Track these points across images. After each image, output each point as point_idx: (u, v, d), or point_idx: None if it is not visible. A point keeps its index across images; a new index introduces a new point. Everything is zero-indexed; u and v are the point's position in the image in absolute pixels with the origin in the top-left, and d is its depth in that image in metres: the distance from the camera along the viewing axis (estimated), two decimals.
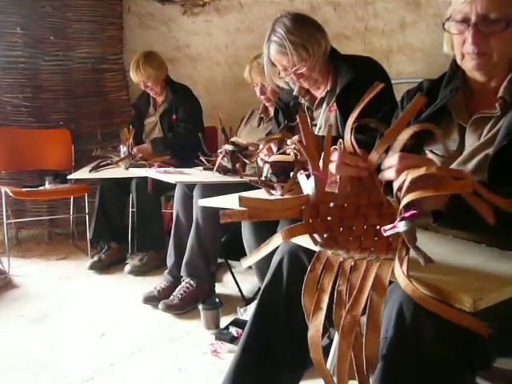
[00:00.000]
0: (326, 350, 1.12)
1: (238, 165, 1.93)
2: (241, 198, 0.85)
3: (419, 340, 0.74)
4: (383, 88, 1.29)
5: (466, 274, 0.78)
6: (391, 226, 0.74)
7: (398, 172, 0.77)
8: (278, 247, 1.10)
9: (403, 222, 0.72)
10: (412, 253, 0.74)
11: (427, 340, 0.74)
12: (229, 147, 1.94)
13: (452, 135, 1.09)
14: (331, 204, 0.91)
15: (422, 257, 0.72)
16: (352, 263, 0.80)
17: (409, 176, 0.72)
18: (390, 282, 0.78)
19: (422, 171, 0.71)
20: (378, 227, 0.86)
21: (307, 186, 0.92)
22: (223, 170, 1.98)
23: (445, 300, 0.69)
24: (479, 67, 1.01)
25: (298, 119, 0.95)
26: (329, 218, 0.90)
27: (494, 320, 0.76)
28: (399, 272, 0.71)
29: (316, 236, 0.88)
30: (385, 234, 0.76)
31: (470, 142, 1.04)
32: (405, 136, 0.82)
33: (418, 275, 0.72)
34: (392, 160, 0.79)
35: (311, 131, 0.91)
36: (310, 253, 0.89)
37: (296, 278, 0.98)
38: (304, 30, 1.63)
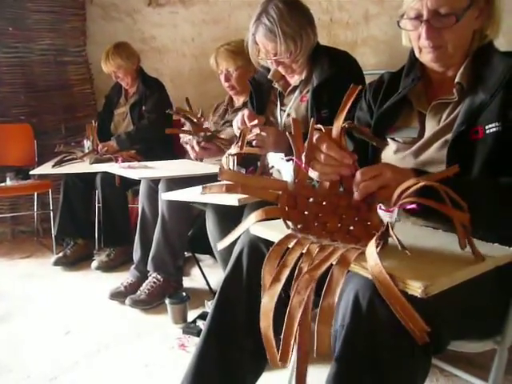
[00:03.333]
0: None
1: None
2: (221, 171, 0.89)
3: (374, 326, 0.76)
4: (357, 84, 1.30)
5: (420, 260, 0.79)
6: (386, 209, 0.78)
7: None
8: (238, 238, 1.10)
9: (398, 211, 0.76)
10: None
11: (382, 326, 0.75)
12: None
13: (413, 123, 1.12)
14: (310, 199, 0.93)
15: (400, 244, 0.76)
16: (319, 247, 0.81)
17: (419, 184, 0.76)
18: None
19: (432, 181, 0.76)
20: (351, 228, 0.90)
21: (287, 172, 0.94)
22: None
23: (398, 286, 0.70)
24: (436, 60, 1.04)
25: (291, 120, 0.99)
26: (306, 212, 0.93)
27: (447, 304, 0.78)
28: (372, 251, 0.73)
29: (289, 222, 0.90)
30: (378, 211, 0.80)
31: (430, 127, 1.08)
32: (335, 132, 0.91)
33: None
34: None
35: (300, 132, 0.94)
36: (270, 244, 0.89)
37: (256, 270, 0.98)
38: (298, 21, 1.59)
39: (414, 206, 0.75)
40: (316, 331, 0.71)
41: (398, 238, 0.76)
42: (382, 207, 0.78)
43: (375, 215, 0.84)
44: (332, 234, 0.90)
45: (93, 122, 2.74)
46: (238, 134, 1.57)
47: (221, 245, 0.94)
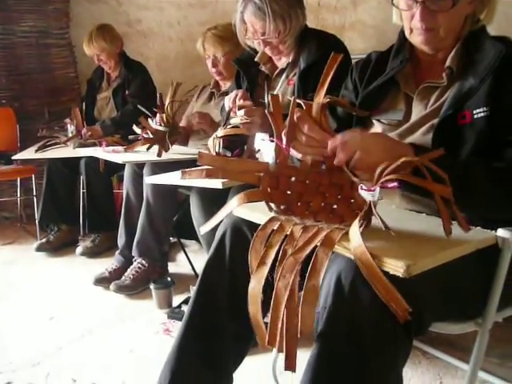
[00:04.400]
0: None
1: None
2: (201, 155, 0.87)
3: (356, 308, 0.75)
4: (344, 67, 1.29)
5: (403, 241, 0.79)
6: (367, 188, 0.77)
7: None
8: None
9: (379, 189, 0.75)
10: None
11: (364, 308, 0.74)
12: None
13: (399, 105, 1.11)
14: (292, 178, 0.92)
15: (383, 224, 0.76)
16: (302, 228, 0.80)
17: (400, 160, 0.75)
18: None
19: (412, 159, 0.75)
20: (334, 206, 0.90)
21: (268, 153, 0.93)
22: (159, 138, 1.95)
23: (380, 266, 0.70)
24: (427, 42, 1.03)
25: (269, 97, 0.95)
26: (288, 192, 0.92)
27: (429, 285, 0.78)
28: (355, 231, 0.72)
29: (272, 204, 0.89)
30: (359, 192, 0.79)
31: (417, 111, 1.06)
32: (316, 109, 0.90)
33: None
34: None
35: (280, 110, 0.93)
36: (253, 226, 0.89)
37: (239, 252, 0.98)
38: (287, 0, 1.57)
39: (395, 184, 0.74)
40: (300, 312, 0.70)
41: (380, 217, 0.75)
42: (364, 187, 0.77)
43: (358, 193, 0.83)
44: (316, 213, 0.89)
45: (83, 105, 2.71)
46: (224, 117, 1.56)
47: (203, 229, 0.93)
